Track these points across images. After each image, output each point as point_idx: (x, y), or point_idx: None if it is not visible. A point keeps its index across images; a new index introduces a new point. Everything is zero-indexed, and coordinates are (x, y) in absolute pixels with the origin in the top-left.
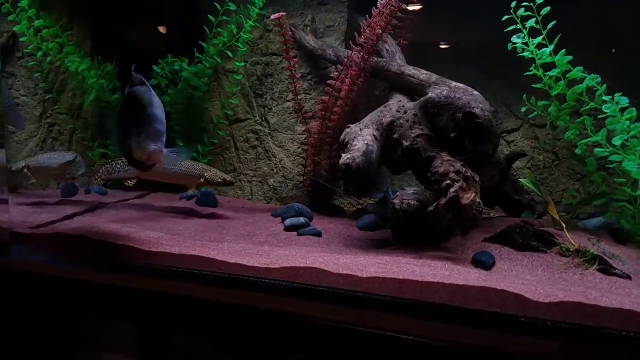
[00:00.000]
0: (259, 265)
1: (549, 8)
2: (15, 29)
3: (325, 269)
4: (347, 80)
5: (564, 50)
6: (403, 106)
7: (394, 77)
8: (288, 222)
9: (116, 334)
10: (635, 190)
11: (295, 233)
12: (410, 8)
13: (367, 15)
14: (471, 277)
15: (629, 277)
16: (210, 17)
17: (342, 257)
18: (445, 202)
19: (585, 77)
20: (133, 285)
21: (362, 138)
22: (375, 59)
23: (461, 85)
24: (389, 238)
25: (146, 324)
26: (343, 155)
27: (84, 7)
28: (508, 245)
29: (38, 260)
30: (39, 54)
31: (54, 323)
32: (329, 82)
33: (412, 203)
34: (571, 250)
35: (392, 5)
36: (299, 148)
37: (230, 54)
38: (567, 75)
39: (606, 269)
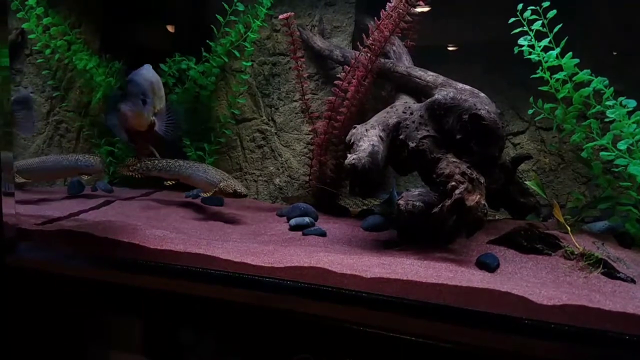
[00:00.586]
0: (263, 264)
1: (555, 11)
2: (24, 26)
3: (330, 268)
4: (353, 80)
5: (570, 53)
6: (409, 107)
7: (400, 78)
8: (293, 221)
9: (122, 332)
10: None
11: (300, 233)
12: (419, 10)
13: (375, 17)
14: (475, 278)
15: (633, 281)
16: (218, 16)
17: (347, 257)
18: (450, 204)
19: (592, 80)
20: (138, 283)
21: (367, 138)
22: (382, 60)
23: (467, 87)
24: (394, 239)
25: (151, 322)
26: (349, 155)
27: (92, 5)
28: (512, 247)
29: (43, 256)
30: (47, 51)
31: (58, 320)
32: (335, 82)
33: (417, 204)
34: (576, 253)
35: (400, 9)
36: (305, 148)
37: (237, 54)
38: (574, 78)
39: (610, 273)
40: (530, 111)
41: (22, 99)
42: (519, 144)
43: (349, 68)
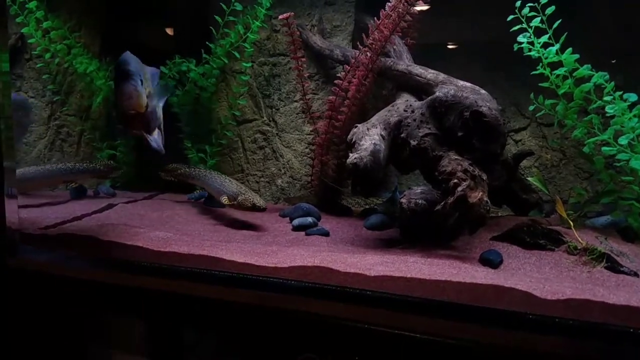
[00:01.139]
0: (267, 265)
1: (553, 7)
2: (23, 30)
3: (333, 267)
4: (354, 80)
5: (570, 49)
6: (410, 105)
7: (401, 77)
8: (296, 221)
9: (125, 333)
10: None
11: (303, 233)
12: (418, 8)
13: (374, 17)
14: (478, 275)
15: (636, 275)
16: (217, 17)
17: (350, 256)
18: (452, 201)
19: (593, 75)
20: (141, 285)
21: (369, 137)
22: (383, 58)
23: (468, 84)
24: (397, 237)
25: (155, 323)
26: (350, 154)
27: (92, 8)
28: (515, 243)
29: (48, 260)
30: (47, 55)
31: (64, 322)
32: (335, 81)
33: (420, 202)
34: (579, 248)
35: (400, 9)
36: (306, 148)
37: (237, 55)
38: (574, 74)
39: (613, 267)
40: (531, 107)
41: (18, 102)
42: (520, 140)
43: (349, 67)
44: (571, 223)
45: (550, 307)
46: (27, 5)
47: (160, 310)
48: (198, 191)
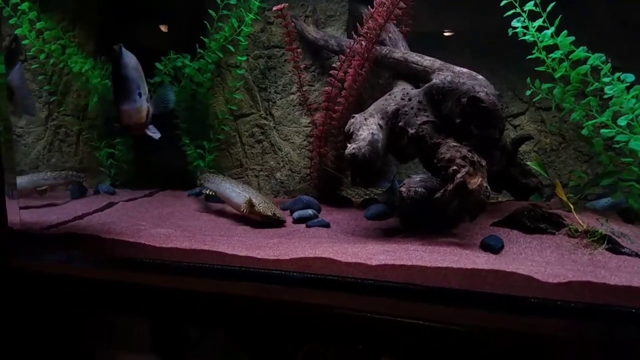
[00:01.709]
0: (268, 257)
1: None
2: (17, 32)
3: (335, 258)
4: (350, 70)
5: (565, 32)
6: (407, 93)
7: (397, 65)
8: (296, 214)
9: (129, 332)
10: None
11: (304, 225)
12: None
13: (368, 5)
14: (480, 260)
15: (637, 255)
16: (211, 11)
17: (351, 246)
18: (452, 188)
19: (589, 57)
20: (144, 282)
21: (367, 127)
22: (378, 47)
23: (465, 70)
24: (397, 226)
25: (158, 320)
26: (349, 145)
27: (86, 7)
28: (516, 228)
29: (50, 259)
30: (42, 56)
31: (65, 322)
32: (330, 72)
33: (419, 190)
34: (579, 230)
35: None
36: (304, 140)
37: (232, 48)
38: (570, 56)
39: (615, 248)
40: (528, 92)
41: (14, 79)
42: (519, 125)
43: (345, 57)
44: (571, 206)
45: (552, 291)
46: (20, 7)
47: (163, 306)
48: (198, 188)
